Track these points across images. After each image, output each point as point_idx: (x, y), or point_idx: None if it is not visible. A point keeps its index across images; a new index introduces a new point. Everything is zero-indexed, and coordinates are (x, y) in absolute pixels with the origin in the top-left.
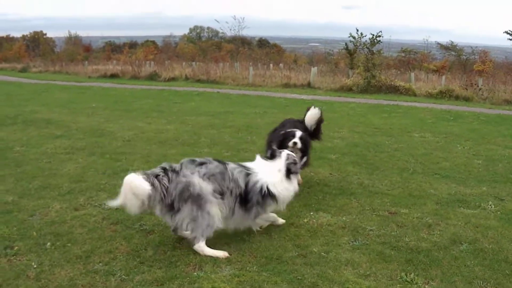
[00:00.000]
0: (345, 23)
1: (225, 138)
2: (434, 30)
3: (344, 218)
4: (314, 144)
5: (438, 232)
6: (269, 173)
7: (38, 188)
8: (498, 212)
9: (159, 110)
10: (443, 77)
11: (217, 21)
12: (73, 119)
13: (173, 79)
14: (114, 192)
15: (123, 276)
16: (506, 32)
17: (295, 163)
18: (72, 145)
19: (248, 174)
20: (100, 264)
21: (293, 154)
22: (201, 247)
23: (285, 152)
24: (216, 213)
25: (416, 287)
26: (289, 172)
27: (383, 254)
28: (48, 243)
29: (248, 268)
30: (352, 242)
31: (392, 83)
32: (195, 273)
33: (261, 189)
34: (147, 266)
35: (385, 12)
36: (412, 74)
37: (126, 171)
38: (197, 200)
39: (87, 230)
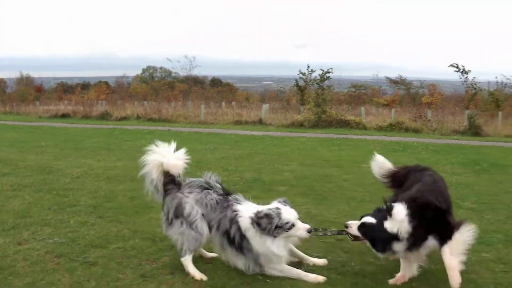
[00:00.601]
0: (298, 62)
1: None
2: (385, 66)
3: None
4: (264, 176)
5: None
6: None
7: None
8: None
9: (109, 148)
10: (393, 110)
11: (169, 60)
12: (22, 157)
13: (124, 118)
14: (59, 227)
15: None
16: (451, 66)
17: (264, 217)
18: (19, 182)
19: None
20: None
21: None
22: (187, 261)
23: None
24: (205, 231)
25: None
26: (258, 226)
27: (329, 278)
28: None
29: None
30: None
31: (343, 117)
32: None
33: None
34: None
35: (336, 50)
36: (363, 109)
37: (72, 207)
38: (187, 218)
39: (30, 263)
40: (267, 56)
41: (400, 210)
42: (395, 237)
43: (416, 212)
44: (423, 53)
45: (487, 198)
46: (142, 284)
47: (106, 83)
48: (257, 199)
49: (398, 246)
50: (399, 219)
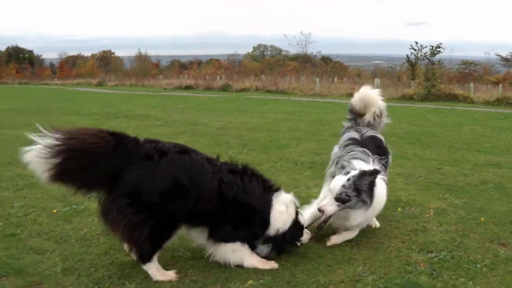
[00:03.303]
0: (409, 40)
1: (302, 127)
2: (496, 45)
3: (399, 169)
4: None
5: (471, 178)
6: None
7: None
8: None
9: (240, 110)
10: (500, 85)
11: (285, 36)
12: (167, 115)
13: (244, 90)
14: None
15: None
16: None
17: None
18: (175, 131)
19: None
20: None
21: None
22: None
23: None
24: None
25: (448, 201)
26: None
27: (427, 186)
28: None
29: None
30: (405, 182)
31: (451, 91)
32: None
33: None
34: None
35: (449, 28)
36: (471, 84)
37: (225, 144)
38: None
39: None
40: (378, 34)
41: None
42: None
43: None
44: None
45: None
46: None
47: (218, 60)
48: None
49: None
50: None
